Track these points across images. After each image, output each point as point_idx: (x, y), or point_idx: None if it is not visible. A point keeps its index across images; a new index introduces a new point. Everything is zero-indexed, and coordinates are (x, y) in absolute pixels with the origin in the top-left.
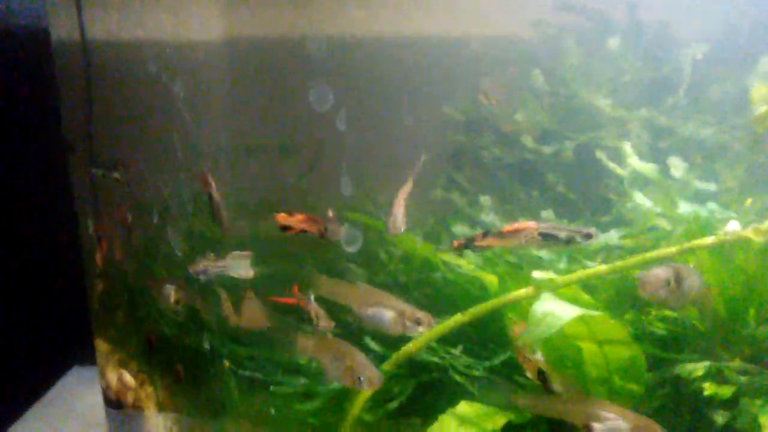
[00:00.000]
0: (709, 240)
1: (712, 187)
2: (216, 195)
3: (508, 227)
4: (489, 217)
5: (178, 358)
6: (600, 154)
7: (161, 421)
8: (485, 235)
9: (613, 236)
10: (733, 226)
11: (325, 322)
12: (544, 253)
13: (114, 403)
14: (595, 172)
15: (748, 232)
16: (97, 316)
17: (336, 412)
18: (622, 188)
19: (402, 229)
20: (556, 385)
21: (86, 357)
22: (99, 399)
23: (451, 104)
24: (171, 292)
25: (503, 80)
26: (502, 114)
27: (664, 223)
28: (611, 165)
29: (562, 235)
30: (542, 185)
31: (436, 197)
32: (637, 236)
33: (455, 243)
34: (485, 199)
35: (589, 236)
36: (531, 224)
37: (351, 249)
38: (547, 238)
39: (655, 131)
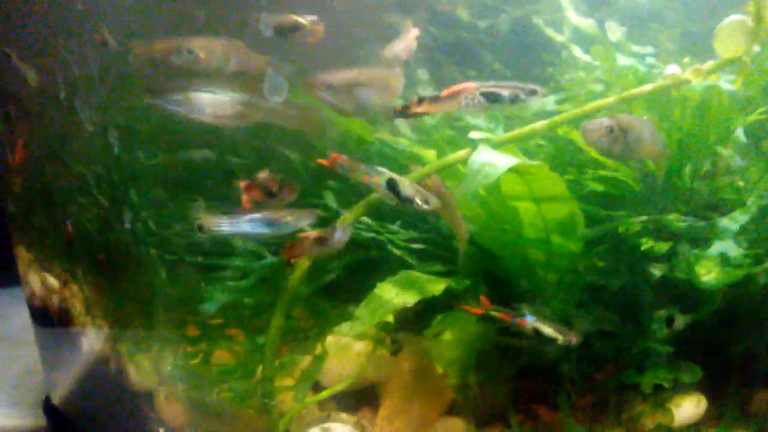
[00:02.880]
0: (648, 87)
1: (649, 49)
2: None
3: (446, 91)
4: (426, 92)
5: (101, 250)
6: (537, 20)
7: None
8: (420, 101)
9: (549, 100)
10: (672, 69)
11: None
12: (480, 122)
13: (39, 311)
14: (532, 46)
15: (688, 74)
16: (15, 219)
17: (271, 288)
18: (559, 59)
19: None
20: (408, 190)
21: (11, 279)
22: (23, 320)
23: None
24: None
25: None
26: None
27: (599, 88)
28: (548, 31)
29: (506, 93)
30: (479, 64)
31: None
32: (574, 100)
33: (394, 108)
34: (422, 72)
35: (533, 92)
36: (471, 85)
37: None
38: (490, 98)
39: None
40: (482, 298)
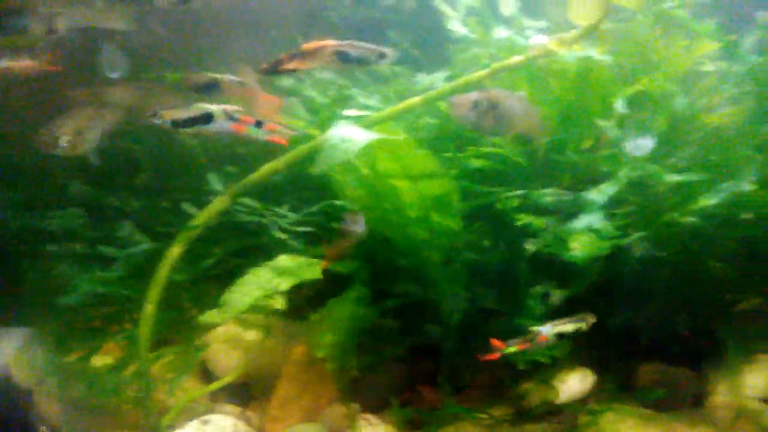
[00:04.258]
0: (516, 59)
1: (541, 23)
2: None
3: (306, 45)
4: (323, 73)
5: None
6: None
7: None
8: (291, 57)
9: (438, 76)
10: (538, 40)
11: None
12: (373, 102)
13: None
14: (436, 24)
15: (551, 43)
16: None
17: (142, 276)
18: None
19: None
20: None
21: None
22: None
23: None
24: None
25: None
26: None
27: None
28: (444, 8)
29: (355, 53)
30: (386, 43)
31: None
32: (462, 76)
33: (263, 65)
34: None
35: (383, 55)
36: (330, 42)
37: None
38: (343, 57)
39: None
40: (494, 341)
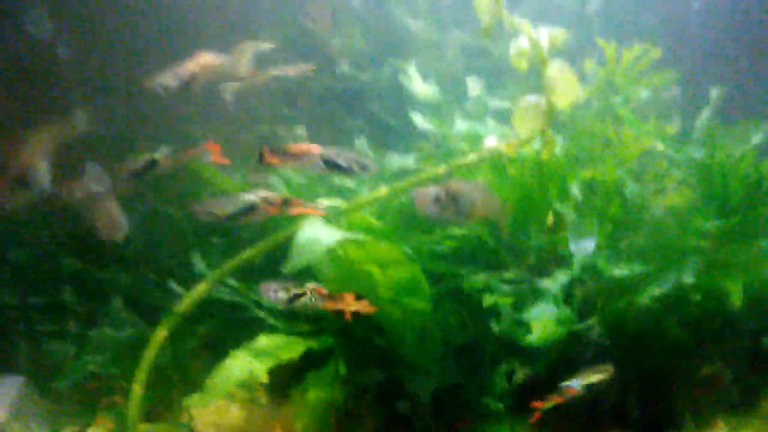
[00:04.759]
0: (470, 157)
1: (506, 104)
2: None
3: (294, 146)
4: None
5: None
6: (404, 79)
7: None
8: (272, 152)
9: (408, 160)
10: (490, 142)
11: None
12: (348, 182)
13: None
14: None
15: (502, 146)
16: None
17: (129, 359)
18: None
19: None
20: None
21: None
22: None
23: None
24: None
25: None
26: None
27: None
28: (412, 88)
29: (342, 162)
30: (366, 113)
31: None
32: (431, 160)
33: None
34: (301, 130)
35: (365, 167)
36: (314, 148)
37: None
38: (328, 164)
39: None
40: (533, 403)
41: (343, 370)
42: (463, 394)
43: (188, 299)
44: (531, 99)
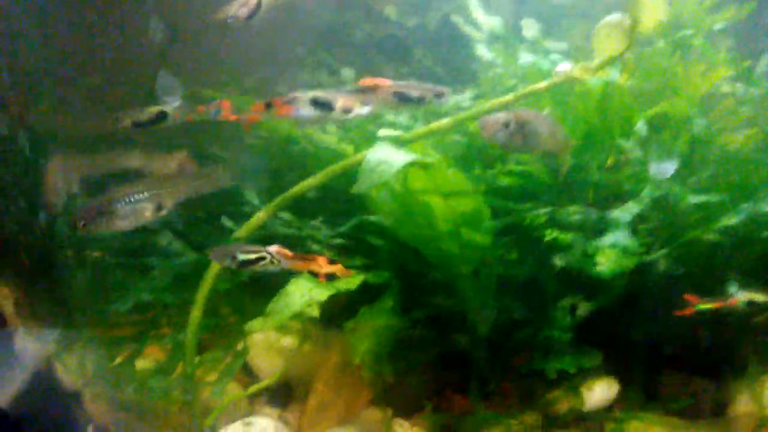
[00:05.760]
0: (541, 84)
1: (562, 45)
2: None
3: (364, 81)
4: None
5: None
6: (456, 18)
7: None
8: (347, 94)
9: (465, 96)
10: (563, 67)
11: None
12: (402, 119)
13: None
14: (460, 43)
15: (576, 71)
16: None
17: (188, 285)
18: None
19: None
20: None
21: None
22: None
23: None
24: None
25: None
26: None
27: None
28: (466, 28)
29: (415, 93)
30: (409, 60)
31: (304, 79)
32: (489, 96)
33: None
34: (348, 72)
35: (440, 94)
36: (386, 83)
37: None
38: (401, 97)
39: None
40: (688, 296)
41: (398, 303)
42: (520, 331)
43: (246, 227)
44: (614, 17)
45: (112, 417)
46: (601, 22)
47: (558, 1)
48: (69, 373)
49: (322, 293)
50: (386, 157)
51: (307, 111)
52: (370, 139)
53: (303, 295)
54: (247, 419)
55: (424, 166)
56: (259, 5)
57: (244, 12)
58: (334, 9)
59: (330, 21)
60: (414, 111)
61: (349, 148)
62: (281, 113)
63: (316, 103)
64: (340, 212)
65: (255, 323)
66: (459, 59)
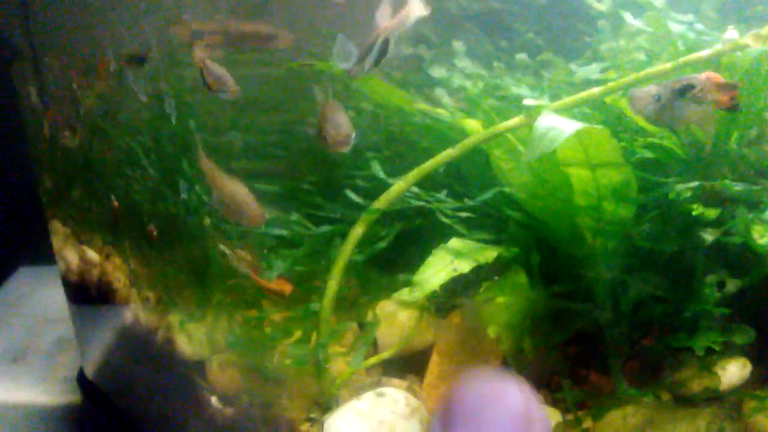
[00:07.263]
0: (705, 53)
1: (689, 17)
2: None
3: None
4: (463, 63)
5: (151, 222)
6: None
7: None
8: None
9: (594, 69)
10: (731, 35)
11: None
12: (524, 91)
13: (76, 286)
14: (564, 16)
15: (747, 38)
16: (50, 193)
17: (323, 256)
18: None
19: None
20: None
21: (32, 257)
22: (47, 298)
23: None
24: None
25: None
26: None
27: (640, 56)
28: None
29: None
30: (510, 33)
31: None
32: (618, 68)
33: None
34: (459, 45)
35: None
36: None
37: None
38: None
39: None
40: None
41: (529, 279)
42: (660, 307)
43: (385, 197)
44: None
45: (239, 385)
46: None
47: None
48: (193, 343)
49: (464, 265)
50: (556, 124)
51: None
52: (500, 113)
53: (446, 266)
54: (379, 390)
55: (581, 137)
56: None
57: None
58: None
59: None
60: (528, 81)
61: (470, 122)
62: None
63: None
64: (465, 185)
65: (402, 293)
66: (563, 32)
